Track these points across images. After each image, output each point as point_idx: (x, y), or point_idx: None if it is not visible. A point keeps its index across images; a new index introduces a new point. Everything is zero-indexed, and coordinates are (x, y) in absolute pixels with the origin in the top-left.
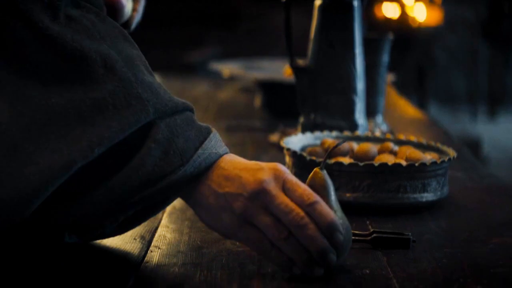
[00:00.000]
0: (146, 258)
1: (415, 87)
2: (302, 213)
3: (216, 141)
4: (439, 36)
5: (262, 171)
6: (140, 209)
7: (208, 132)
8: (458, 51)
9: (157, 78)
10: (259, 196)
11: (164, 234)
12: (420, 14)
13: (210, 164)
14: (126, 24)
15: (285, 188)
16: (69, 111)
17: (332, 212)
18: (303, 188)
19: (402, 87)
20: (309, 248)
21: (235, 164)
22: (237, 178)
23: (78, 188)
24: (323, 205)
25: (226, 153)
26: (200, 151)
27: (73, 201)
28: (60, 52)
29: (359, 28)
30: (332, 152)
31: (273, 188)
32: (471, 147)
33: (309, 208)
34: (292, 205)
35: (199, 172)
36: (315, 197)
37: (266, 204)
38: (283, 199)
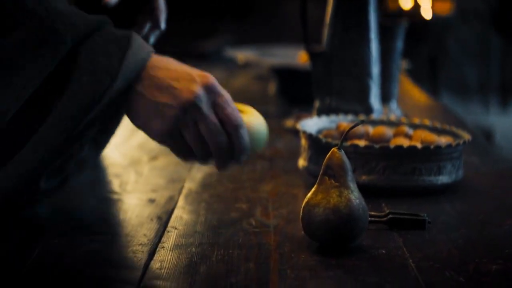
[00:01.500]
0: (163, 238)
1: (427, 77)
2: (226, 138)
3: (138, 47)
4: (451, 27)
5: (194, 83)
6: (104, 124)
7: (128, 39)
8: (470, 42)
9: None
10: (191, 109)
11: (181, 215)
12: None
13: (139, 71)
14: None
15: (216, 103)
16: None
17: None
18: (232, 108)
19: (414, 77)
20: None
21: (166, 73)
22: (170, 88)
23: (22, 132)
24: (243, 132)
25: (150, 53)
26: (125, 62)
27: (23, 147)
28: None
29: (375, 12)
30: (348, 134)
31: (205, 105)
32: (483, 137)
33: (233, 130)
34: (218, 127)
35: (131, 81)
36: (240, 121)
37: (196, 120)
38: (212, 119)
